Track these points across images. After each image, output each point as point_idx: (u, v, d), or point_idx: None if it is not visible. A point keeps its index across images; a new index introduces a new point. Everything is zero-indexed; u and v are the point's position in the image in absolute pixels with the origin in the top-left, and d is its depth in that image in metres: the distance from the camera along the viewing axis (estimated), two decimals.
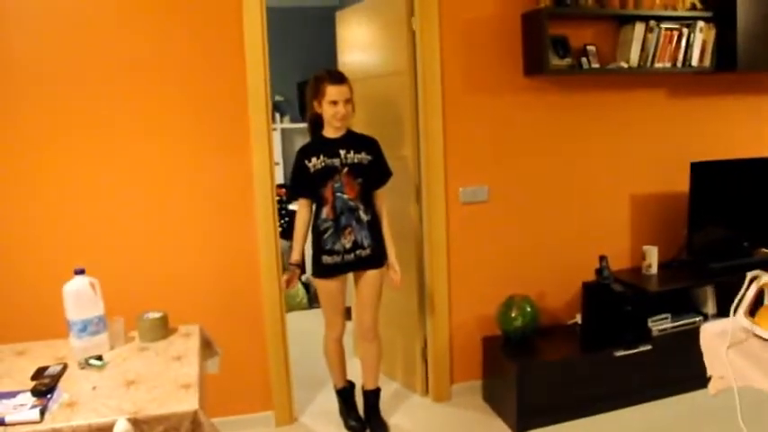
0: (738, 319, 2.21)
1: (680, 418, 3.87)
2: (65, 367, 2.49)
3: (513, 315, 3.98)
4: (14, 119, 3.39)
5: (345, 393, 3.99)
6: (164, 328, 2.84)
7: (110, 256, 3.58)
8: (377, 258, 3.72)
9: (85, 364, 2.52)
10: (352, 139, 3.64)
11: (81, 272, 2.63)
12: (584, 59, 4.07)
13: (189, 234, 3.68)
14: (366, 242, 3.64)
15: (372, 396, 3.94)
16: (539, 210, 4.25)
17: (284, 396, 3.96)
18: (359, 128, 4.20)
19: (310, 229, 3.71)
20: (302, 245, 3.71)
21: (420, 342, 4.23)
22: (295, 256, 3.72)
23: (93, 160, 3.51)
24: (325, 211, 3.58)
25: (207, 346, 2.96)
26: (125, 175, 3.56)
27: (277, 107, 6.72)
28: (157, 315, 2.85)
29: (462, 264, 4.12)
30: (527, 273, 4.27)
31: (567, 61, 4.04)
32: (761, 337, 2.11)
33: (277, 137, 6.77)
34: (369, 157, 3.63)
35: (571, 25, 4.11)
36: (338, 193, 3.56)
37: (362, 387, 3.96)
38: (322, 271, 3.65)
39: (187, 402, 2.17)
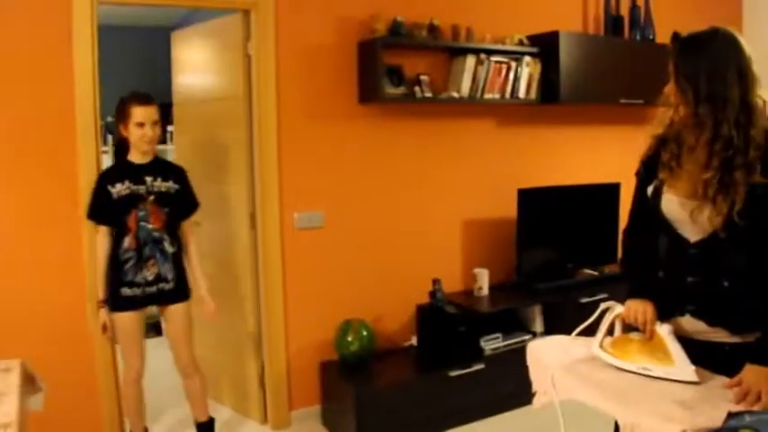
0: (594, 350, 2.30)
1: None
2: None
3: (349, 339, 4.00)
4: None
5: None
6: None
7: None
8: (181, 292, 3.56)
9: None
10: (160, 166, 3.48)
11: None
12: (417, 89, 4.19)
13: (8, 264, 3.45)
14: (170, 275, 3.48)
15: (207, 428, 3.81)
16: (373, 234, 4.32)
17: (116, 430, 3.78)
18: (192, 151, 4.13)
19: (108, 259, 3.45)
20: (104, 279, 3.43)
21: (257, 368, 4.17)
22: (102, 294, 3.42)
23: None
24: (128, 241, 3.36)
25: (30, 382, 2.79)
26: None
27: (109, 128, 6.48)
28: None
29: (298, 289, 4.11)
30: (363, 296, 4.31)
31: (402, 90, 4.14)
32: (619, 368, 2.20)
33: (108, 159, 6.53)
34: (176, 186, 3.49)
35: (405, 55, 4.23)
36: (142, 222, 3.37)
37: (195, 421, 3.79)
38: (119, 304, 3.41)
39: None
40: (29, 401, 2.74)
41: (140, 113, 3.32)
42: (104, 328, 3.43)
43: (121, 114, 3.35)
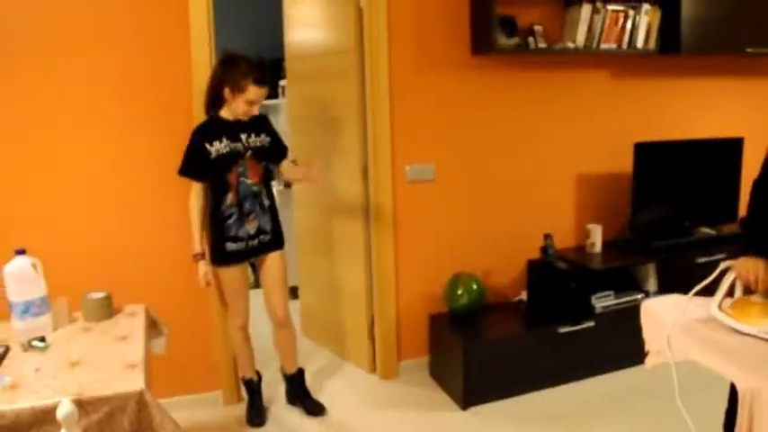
0: (712, 311, 2.25)
1: (621, 392, 3.97)
2: (7, 350, 2.45)
3: (459, 293, 4.02)
4: None
5: (251, 384, 3.86)
6: (108, 308, 2.81)
7: (51, 236, 3.51)
8: (278, 241, 3.66)
9: (28, 346, 2.48)
10: (250, 122, 3.50)
11: (22, 252, 2.58)
12: (531, 39, 4.10)
13: (132, 212, 3.62)
14: (268, 227, 3.58)
15: (297, 378, 3.92)
16: (485, 188, 4.29)
17: (231, 375, 3.94)
18: (304, 105, 4.19)
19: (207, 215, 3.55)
20: (201, 233, 3.48)
21: (367, 320, 4.25)
22: (198, 247, 3.46)
23: (31, 140, 3.41)
24: (230, 198, 3.45)
25: (152, 326, 2.94)
26: (64, 154, 3.47)
27: None
28: (101, 295, 2.82)
29: (409, 242, 4.15)
30: (473, 251, 4.31)
31: (515, 41, 4.06)
32: (739, 331, 2.14)
33: None
34: (268, 139, 3.56)
35: (519, 5, 4.13)
36: (242, 178, 3.45)
37: (284, 373, 3.93)
38: (225, 258, 3.52)
39: (133, 382, 2.15)
40: (152, 344, 2.89)
41: (255, 93, 3.34)
42: (207, 281, 3.49)
43: (235, 83, 3.32)
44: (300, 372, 3.94)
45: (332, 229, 4.37)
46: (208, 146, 3.38)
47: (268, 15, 5.89)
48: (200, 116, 3.55)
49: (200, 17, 3.55)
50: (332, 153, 4.25)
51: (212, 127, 3.43)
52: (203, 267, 3.47)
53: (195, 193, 3.46)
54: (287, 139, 4.10)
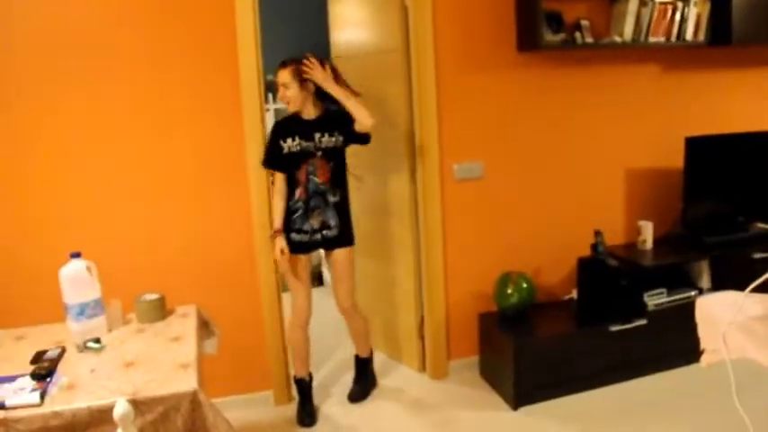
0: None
1: (675, 391, 3.91)
2: (63, 351, 2.50)
3: (509, 291, 4.00)
4: (13, 109, 3.37)
5: (302, 384, 3.91)
6: (161, 310, 2.85)
7: (106, 239, 3.58)
8: (344, 238, 3.75)
9: (84, 347, 2.53)
10: (327, 120, 3.63)
11: (77, 255, 2.64)
12: (577, 34, 4.05)
13: (184, 215, 3.67)
14: (333, 222, 3.68)
15: (363, 362, 4.11)
16: (533, 185, 4.26)
17: (282, 375, 3.98)
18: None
19: None
20: (282, 214, 3.63)
21: (417, 319, 4.25)
22: (277, 224, 3.63)
23: (87, 144, 3.49)
24: (298, 193, 3.61)
25: (204, 327, 2.98)
26: (118, 159, 3.54)
27: (270, 87, 6.69)
28: (155, 296, 2.86)
29: (458, 240, 4.13)
30: (522, 249, 4.28)
31: (561, 36, 4.01)
32: None
33: (270, 117, 6.75)
34: (341, 138, 3.63)
35: (565, 0, 4.09)
36: (311, 176, 3.58)
37: (355, 355, 4.12)
38: (290, 247, 3.63)
39: (186, 382, 2.19)
40: (204, 345, 2.93)
41: (278, 75, 3.53)
42: (282, 251, 3.58)
43: None
44: (366, 359, 4.11)
45: (382, 230, 4.37)
46: (282, 142, 3.57)
47: (314, 15, 5.92)
48: (250, 121, 3.64)
49: (246, 22, 3.58)
50: (380, 153, 4.24)
51: (289, 124, 3.61)
52: (280, 242, 3.59)
53: (279, 180, 3.63)
54: None
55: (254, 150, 3.70)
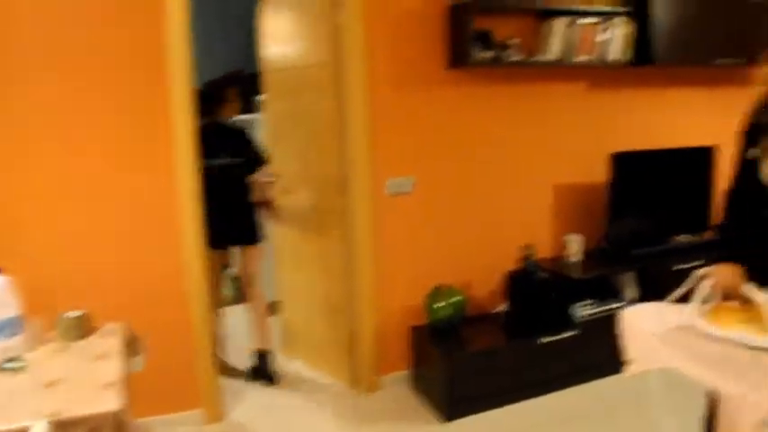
0: (692, 319, 2.27)
1: (601, 400, 3.99)
2: None
3: (440, 305, 4.03)
4: None
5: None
6: (84, 327, 2.78)
7: (25, 254, 3.45)
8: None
9: (2, 368, 2.46)
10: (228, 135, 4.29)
11: None
12: (506, 52, 4.13)
13: (109, 230, 3.57)
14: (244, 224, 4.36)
15: (262, 356, 4.45)
16: (464, 200, 4.31)
17: (212, 393, 3.91)
18: (285, 122, 4.23)
19: None
20: None
21: (348, 334, 4.25)
22: None
23: (5, 156, 3.39)
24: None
25: (131, 344, 2.92)
26: (39, 171, 3.43)
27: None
28: (77, 314, 2.79)
29: (389, 255, 4.15)
30: (453, 262, 4.32)
31: (490, 54, 4.09)
32: (717, 337, 2.16)
33: None
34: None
35: (494, 19, 4.17)
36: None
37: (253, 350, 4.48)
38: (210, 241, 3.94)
39: (109, 402, 2.14)
40: (130, 363, 2.87)
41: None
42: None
43: None
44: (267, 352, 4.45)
45: (313, 243, 4.37)
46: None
47: (243, 29, 5.90)
48: (181, 131, 3.60)
49: (177, 32, 3.54)
50: (311, 166, 4.25)
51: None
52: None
53: None
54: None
55: (185, 161, 3.63)
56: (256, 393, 4.24)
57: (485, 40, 4.10)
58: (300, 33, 4.26)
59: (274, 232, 4.77)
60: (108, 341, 2.73)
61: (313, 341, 4.55)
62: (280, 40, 4.46)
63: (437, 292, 4.08)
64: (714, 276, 2.28)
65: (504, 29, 4.21)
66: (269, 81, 4.63)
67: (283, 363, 4.60)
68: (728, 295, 2.25)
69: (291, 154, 4.43)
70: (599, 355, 4.15)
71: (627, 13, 4.38)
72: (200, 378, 3.87)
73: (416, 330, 4.22)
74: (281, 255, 4.75)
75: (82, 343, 2.73)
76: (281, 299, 4.86)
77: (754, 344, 2.05)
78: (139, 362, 2.97)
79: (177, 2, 3.49)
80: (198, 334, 3.82)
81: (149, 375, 3.19)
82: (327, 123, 4.10)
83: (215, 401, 3.93)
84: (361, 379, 4.24)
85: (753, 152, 2.21)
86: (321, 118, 4.14)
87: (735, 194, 2.42)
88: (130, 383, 2.57)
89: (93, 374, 2.38)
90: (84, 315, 2.79)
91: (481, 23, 4.08)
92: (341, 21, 3.90)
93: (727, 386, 1.86)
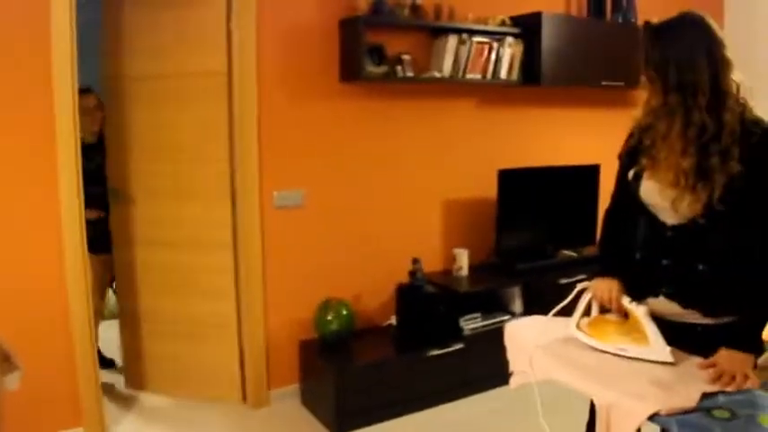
0: (571, 331, 2.33)
1: (488, 412, 4.07)
2: None
3: (329, 318, 4.01)
4: None
5: None
6: None
7: None
8: None
9: None
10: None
11: None
12: (399, 68, 4.17)
13: None
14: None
15: None
16: (354, 213, 4.32)
17: (94, 411, 3.75)
18: (165, 129, 4.05)
19: None
20: None
21: (236, 348, 4.17)
22: None
23: None
24: None
25: (5, 360, 2.77)
26: None
27: None
28: None
29: (278, 268, 4.11)
30: (343, 276, 4.32)
31: (383, 69, 4.12)
32: (596, 349, 2.22)
33: None
34: None
35: (388, 34, 4.20)
36: None
37: None
38: None
39: None
40: (5, 380, 2.72)
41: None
42: None
43: None
44: None
45: (186, 263, 4.16)
46: None
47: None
48: (61, 129, 3.46)
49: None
50: (195, 178, 4.11)
51: None
52: None
53: None
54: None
55: (67, 164, 3.47)
56: (141, 409, 4.11)
57: (378, 54, 4.12)
58: (183, 39, 4.01)
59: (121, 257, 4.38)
60: None
61: (199, 358, 4.35)
62: (150, 45, 4.11)
63: (326, 306, 4.06)
64: (593, 290, 2.36)
65: (398, 44, 4.25)
66: (131, 89, 4.21)
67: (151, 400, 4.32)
68: (607, 308, 2.33)
69: (174, 165, 4.22)
70: (486, 368, 4.22)
71: (517, 35, 4.50)
72: (82, 394, 3.70)
73: (306, 344, 4.18)
74: (139, 281, 4.33)
75: None
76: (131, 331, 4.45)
77: (631, 354, 2.13)
78: (14, 380, 2.82)
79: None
80: (80, 348, 3.66)
81: (26, 393, 3.03)
82: (214, 133, 3.98)
83: (97, 419, 3.77)
84: (250, 393, 4.17)
85: (632, 173, 2.29)
86: (207, 127, 4.00)
87: (614, 212, 2.51)
88: (6, 402, 2.43)
89: None
90: None
91: (374, 38, 4.11)
92: (234, 27, 3.84)
93: (604, 395, 1.92)
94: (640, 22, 4.93)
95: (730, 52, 2.05)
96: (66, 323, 3.61)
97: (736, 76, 2.05)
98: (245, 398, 4.21)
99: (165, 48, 4.04)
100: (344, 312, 4.04)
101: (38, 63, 3.38)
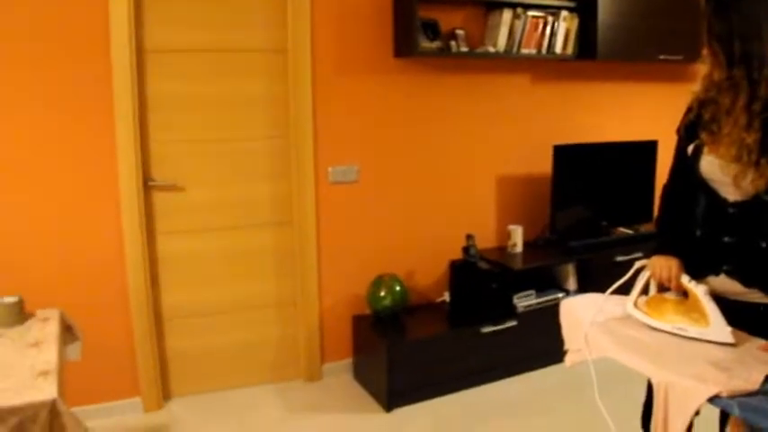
0: (628, 309, 2.30)
1: (543, 389, 4.06)
2: None
3: (382, 294, 4.03)
4: None
5: None
6: (19, 313, 2.70)
7: None
8: None
9: None
10: None
11: None
12: (452, 43, 4.14)
13: (45, 208, 3.49)
14: None
15: None
16: (407, 190, 4.32)
17: (152, 382, 3.86)
18: (218, 105, 3.97)
19: None
20: None
21: (292, 322, 4.21)
22: None
23: None
24: None
25: (67, 331, 2.85)
26: None
27: None
28: (12, 299, 2.70)
29: (332, 243, 4.14)
30: (396, 252, 4.33)
31: (437, 44, 4.09)
32: (654, 328, 2.20)
33: None
34: None
35: (441, 9, 4.17)
36: None
37: None
38: None
39: (45, 391, 2.06)
40: (67, 350, 2.80)
41: None
42: None
43: None
44: None
45: (254, 234, 4.24)
46: None
47: None
48: (120, 110, 3.50)
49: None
50: (252, 154, 4.11)
51: None
52: None
53: None
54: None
55: (126, 143, 3.56)
56: (197, 381, 4.19)
57: (431, 29, 4.10)
58: (248, 15, 3.98)
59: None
60: (44, 328, 2.65)
61: (258, 329, 4.36)
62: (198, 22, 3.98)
63: (379, 282, 4.08)
64: (651, 268, 2.32)
65: (451, 19, 4.22)
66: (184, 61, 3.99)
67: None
68: (666, 286, 2.29)
69: (229, 141, 4.20)
70: (540, 345, 4.21)
71: (572, 8, 4.42)
72: (140, 365, 3.81)
73: (359, 319, 4.22)
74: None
75: (17, 329, 2.64)
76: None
77: (690, 334, 2.09)
78: (77, 349, 2.90)
79: None
80: (137, 320, 3.75)
81: (87, 362, 3.13)
82: (268, 109, 3.98)
83: (154, 390, 3.87)
84: (304, 367, 4.23)
85: (691, 147, 2.24)
86: (260, 103, 3.98)
87: (672, 188, 2.46)
88: (66, 371, 2.51)
89: (27, 362, 2.30)
90: (18, 300, 2.71)
91: (428, 13, 4.08)
92: (288, 5, 3.84)
93: (662, 375, 1.89)
94: None
95: None
96: (125, 296, 3.71)
97: None
98: (298, 370, 4.25)
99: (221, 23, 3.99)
100: (397, 288, 4.05)
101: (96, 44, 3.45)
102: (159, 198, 3.84)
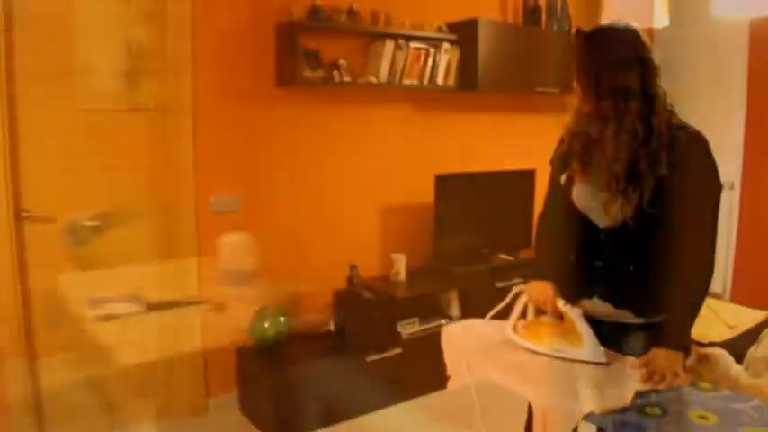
0: (507, 334, 2.35)
1: (429, 416, 4.07)
2: None
3: (266, 325, 3.97)
4: None
5: None
6: None
7: None
8: None
9: None
10: None
11: None
12: (335, 73, 4.17)
13: None
14: None
15: None
16: (290, 219, 4.28)
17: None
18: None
19: None
20: None
21: (175, 356, 4.08)
22: None
23: None
24: None
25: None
26: None
27: None
28: None
29: (215, 273, 4.05)
30: (280, 282, 4.28)
31: (319, 74, 4.10)
32: (532, 351, 2.24)
33: None
34: None
35: (324, 39, 4.19)
36: None
37: None
38: None
39: None
40: None
41: None
42: None
43: None
44: None
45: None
46: None
47: None
48: None
49: None
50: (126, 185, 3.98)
51: None
52: None
53: None
54: None
55: None
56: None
57: (314, 59, 4.11)
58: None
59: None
60: None
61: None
62: None
63: (263, 313, 4.02)
64: (529, 293, 2.39)
65: (334, 49, 4.24)
66: None
67: None
68: (543, 310, 2.36)
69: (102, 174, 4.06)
70: (425, 372, 4.23)
71: (453, 41, 4.54)
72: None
73: (243, 351, 4.13)
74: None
75: None
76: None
77: (566, 355, 2.16)
78: None
79: None
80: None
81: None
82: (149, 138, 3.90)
83: None
84: (188, 402, 4.08)
85: (564, 177, 2.33)
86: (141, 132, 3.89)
87: (547, 217, 2.55)
88: None
89: None
90: None
91: (310, 43, 4.09)
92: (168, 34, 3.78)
93: (541, 396, 1.94)
94: (574, 29, 5.08)
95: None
96: None
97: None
98: (180, 407, 4.12)
99: None
100: (281, 319, 4.00)
101: None
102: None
